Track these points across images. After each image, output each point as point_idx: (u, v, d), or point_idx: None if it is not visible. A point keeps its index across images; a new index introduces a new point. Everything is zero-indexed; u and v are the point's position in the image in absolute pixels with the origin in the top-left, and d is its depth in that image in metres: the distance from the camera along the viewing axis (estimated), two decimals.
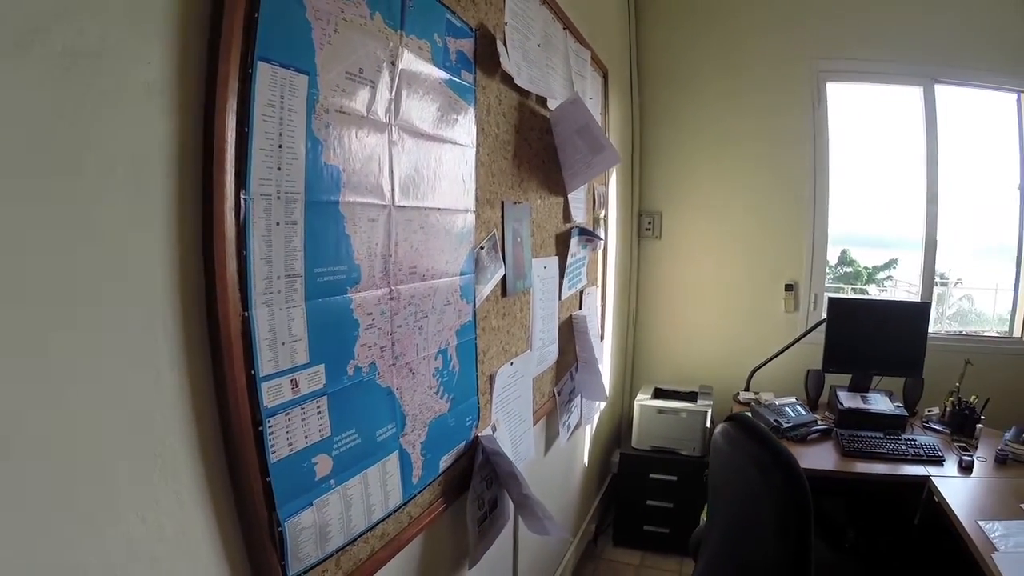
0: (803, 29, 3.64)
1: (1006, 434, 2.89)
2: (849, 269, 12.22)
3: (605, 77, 2.98)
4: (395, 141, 1.21)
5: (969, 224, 4.21)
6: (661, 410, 3.33)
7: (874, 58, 3.64)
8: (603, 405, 3.28)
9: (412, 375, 1.33)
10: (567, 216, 2.40)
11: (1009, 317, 4.12)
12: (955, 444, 2.91)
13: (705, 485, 2.03)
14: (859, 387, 3.32)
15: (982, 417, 3.04)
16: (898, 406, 3.13)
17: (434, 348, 1.41)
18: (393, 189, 1.21)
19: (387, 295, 1.22)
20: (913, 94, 3.75)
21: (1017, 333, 3.96)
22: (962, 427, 3.03)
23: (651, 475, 3.34)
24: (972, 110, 3.95)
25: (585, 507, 3.37)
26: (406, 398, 1.31)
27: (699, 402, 3.38)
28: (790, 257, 3.80)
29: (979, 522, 2.14)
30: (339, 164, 1.06)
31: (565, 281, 2.43)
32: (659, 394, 3.51)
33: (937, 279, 12.58)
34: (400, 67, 1.21)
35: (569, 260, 2.46)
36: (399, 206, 1.24)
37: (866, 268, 12.20)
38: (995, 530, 2.09)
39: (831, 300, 3.43)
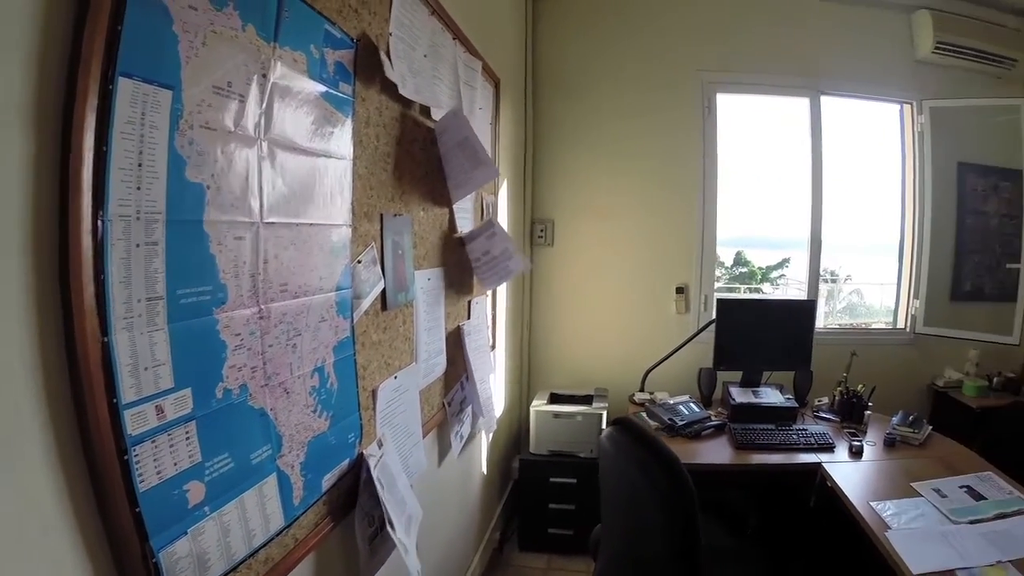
0: (694, 44, 3.78)
1: (893, 418, 3.05)
2: (744, 269, 12.72)
3: (497, 87, 3.00)
4: (265, 156, 1.17)
5: (857, 224, 4.60)
6: (557, 415, 3.33)
7: (761, 70, 3.84)
8: (500, 412, 3.31)
9: (287, 395, 1.28)
10: (453, 227, 2.39)
11: (893, 309, 4.42)
12: (845, 431, 3.05)
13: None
14: (750, 383, 3.41)
15: (870, 404, 3.21)
16: (788, 398, 3.24)
17: (310, 366, 1.37)
18: (262, 205, 1.17)
19: (257, 314, 1.18)
20: (800, 104, 3.96)
21: (901, 324, 4.22)
22: (851, 414, 3.19)
23: (551, 479, 3.33)
24: (860, 119, 4.26)
25: (488, 515, 3.32)
26: (281, 418, 1.26)
27: (594, 405, 3.41)
28: (681, 261, 3.89)
29: (871, 503, 2.28)
30: (203, 181, 1.02)
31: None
32: (555, 399, 3.52)
33: (828, 276, 13.27)
34: (272, 80, 1.17)
35: None
36: (268, 223, 1.19)
37: (760, 268, 12.78)
38: (887, 509, 2.23)
39: (719, 301, 3.52)
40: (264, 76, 1.15)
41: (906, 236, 4.21)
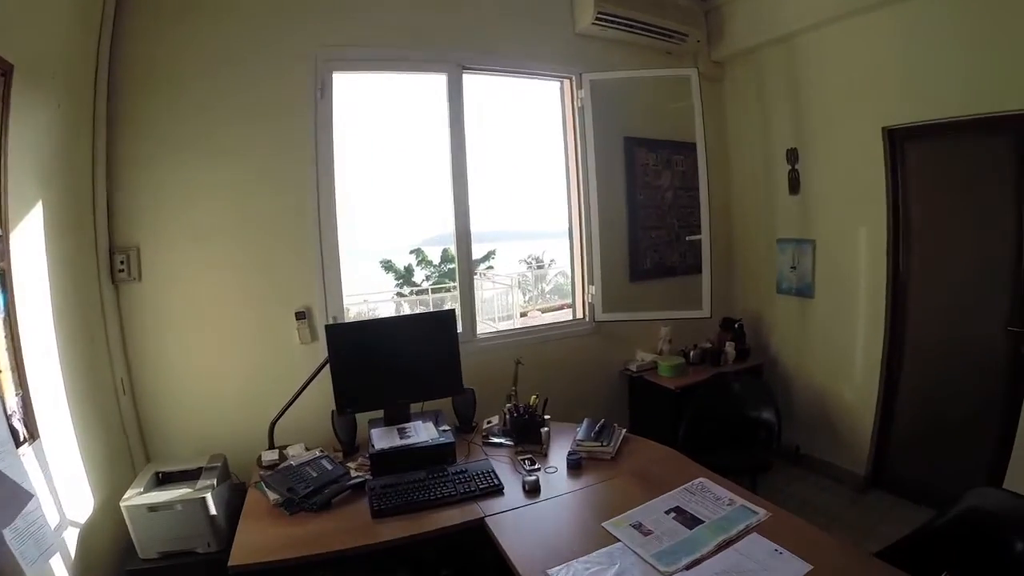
0: (312, 21, 2.95)
1: (578, 430, 2.60)
2: (452, 266, 12.66)
3: (6, 76, 1.99)
4: None
5: (549, 209, 4.21)
6: (152, 507, 2.26)
7: (392, 45, 3.14)
8: (88, 517, 2.31)
9: None
10: None
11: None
12: (521, 458, 2.49)
13: None
14: (396, 419, 2.71)
15: (546, 418, 2.72)
16: (444, 431, 2.58)
17: None
18: None
19: None
20: (440, 82, 3.33)
21: (580, 314, 3.89)
22: (526, 434, 2.64)
23: None
24: (529, 97, 3.91)
25: None
26: None
27: (200, 483, 2.38)
28: (300, 279, 3.01)
29: (548, 572, 1.72)
30: None
31: None
32: (163, 480, 2.47)
33: (534, 262, 13.74)
34: None
35: None
36: None
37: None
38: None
39: (328, 329, 2.68)
40: None
41: (574, 218, 3.84)
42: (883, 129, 3.40)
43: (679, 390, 3.54)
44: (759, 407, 3.41)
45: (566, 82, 3.72)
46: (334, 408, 2.66)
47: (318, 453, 2.55)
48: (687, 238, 3.95)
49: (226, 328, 2.85)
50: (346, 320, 3.13)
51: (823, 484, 3.80)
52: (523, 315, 11.26)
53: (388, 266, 13.42)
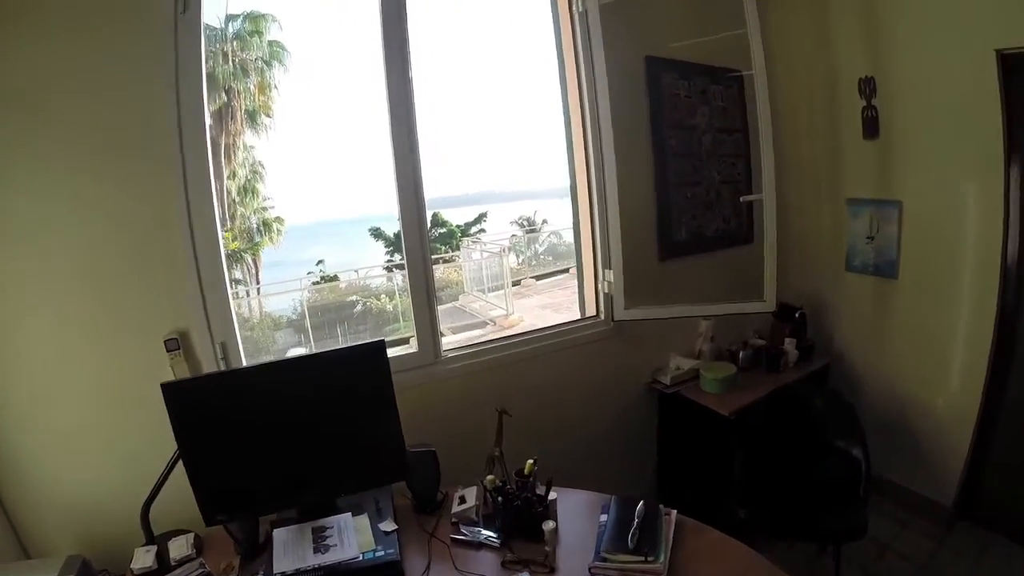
0: None
1: (602, 523, 1.72)
2: (443, 230, 11.80)
3: None
4: None
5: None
6: None
7: None
8: None
9: None
10: None
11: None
12: (511, 566, 1.56)
13: None
14: (313, 511, 1.73)
15: (550, 496, 1.71)
16: (388, 532, 1.63)
17: None
18: None
19: None
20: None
21: (591, 311, 2.82)
22: (520, 528, 1.68)
23: None
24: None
25: None
26: None
27: None
28: (169, 292, 1.88)
29: None
30: None
31: None
32: None
33: (525, 223, 12.83)
34: None
35: None
36: None
37: (459, 226, 11.92)
38: None
39: (165, 388, 1.55)
40: None
41: (578, 175, 2.73)
42: (997, 52, 2.43)
43: (734, 415, 2.53)
44: (840, 435, 2.51)
45: None
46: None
47: (199, 568, 1.52)
48: (741, 199, 2.88)
49: (72, 374, 1.79)
50: (240, 346, 2.01)
51: (901, 517, 2.95)
52: (515, 284, 10.43)
53: (377, 233, 12.56)
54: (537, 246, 12.79)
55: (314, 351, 1.69)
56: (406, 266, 2.28)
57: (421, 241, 2.25)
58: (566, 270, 11.46)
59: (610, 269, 2.62)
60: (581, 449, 2.68)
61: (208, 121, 1.90)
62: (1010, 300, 2.57)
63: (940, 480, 2.89)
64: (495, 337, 2.54)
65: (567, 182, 2.75)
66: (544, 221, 13.08)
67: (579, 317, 2.84)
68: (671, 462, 2.94)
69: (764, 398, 2.70)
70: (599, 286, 2.73)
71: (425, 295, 2.29)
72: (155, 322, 1.87)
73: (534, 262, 12.00)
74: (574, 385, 2.68)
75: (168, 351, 1.85)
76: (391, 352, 1.95)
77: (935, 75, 2.66)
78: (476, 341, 2.52)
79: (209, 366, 1.93)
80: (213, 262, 1.91)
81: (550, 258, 12.09)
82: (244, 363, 2.01)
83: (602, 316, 2.77)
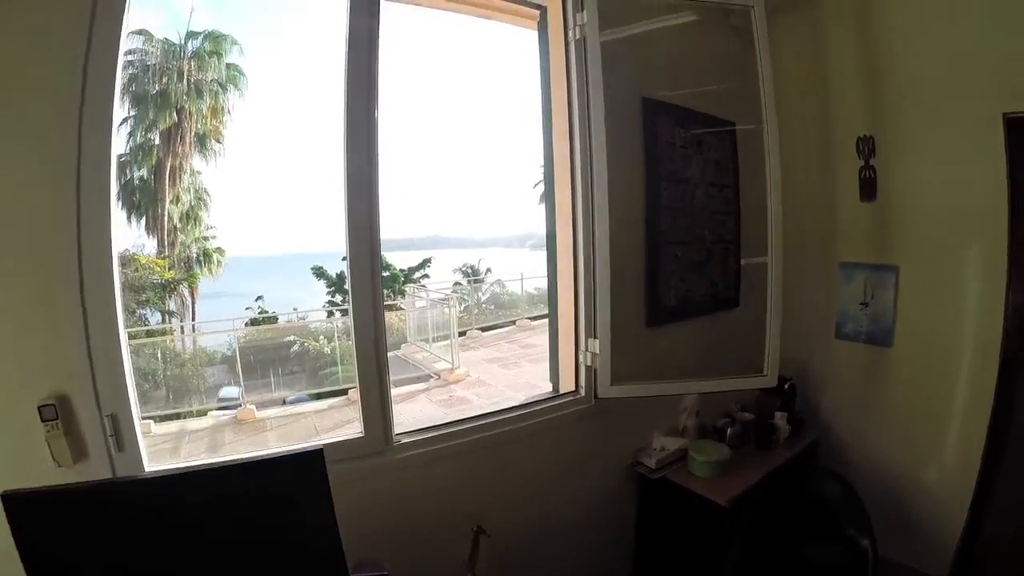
0: None
1: None
2: (386, 274, 11.31)
3: None
4: None
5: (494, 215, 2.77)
6: None
7: None
8: None
9: None
10: None
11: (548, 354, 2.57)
12: None
13: None
14: None
15: None
16: None
17: None
18: None
19: None
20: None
21: (567, 386, 2.43)
22: None
23: None
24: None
25: None
26: None
27: None
28: (45, 341, 1.45)
29: None
30: None
31: None
32: None
33: (469, 271, 12.53)
34: None
35: None
36: None
37: (402, 270, 11.50)
38: None
39: (5, 500, 1.09)
40: None
41: (560, 220, 2.39)
42: (1004, 116, 2.30)
43: (731, 504, 2.19)
44: (846, 523, 2.29)
45: (552, 6, 2.31)
46: None
47: None
48: (743, 261, 2.61)
49: None
50: (136, 422, 1.54)
51: None
52: (462, 334, 10.05)
53: (320, 272, 12.18)
54: (480, 295, 12.46)
55: (231, 459, 1.16)
56: (352, 318, 1.86)
57: (373, 290, 1.86)
58: (513, 322, 11.16)
59: (595, 339, 2.26)
60: (555, 548, 2.30)
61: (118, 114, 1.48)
62: (1011, 369, 2.38)
63: (934, 557, 2.65)
64: (458, 419, 2.12)
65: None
66: (488, 270, 12.75)
67: (552, 392, 2.46)
68: (651, 557, 2.57)
69: (760, 482, 2.39)
70: (580, 357, 2.36)
71: (375, 363, 1.87)
72: (32, 384, 1.41)
73: (476, 311, 11.66)
74: (546, 472, 2.29)
75: (43, 420, 1.39)
76: (327, 439, 1.51)
77: (937, 135, 2.51)
78: (437, 423, 2.08)
79: (95, 446, 1.48)
80: (106, 303, 1.46)
81: (492, 307, 11.79)
82: (141, 446, 1.55)
83: (582, 392, 2.38)
